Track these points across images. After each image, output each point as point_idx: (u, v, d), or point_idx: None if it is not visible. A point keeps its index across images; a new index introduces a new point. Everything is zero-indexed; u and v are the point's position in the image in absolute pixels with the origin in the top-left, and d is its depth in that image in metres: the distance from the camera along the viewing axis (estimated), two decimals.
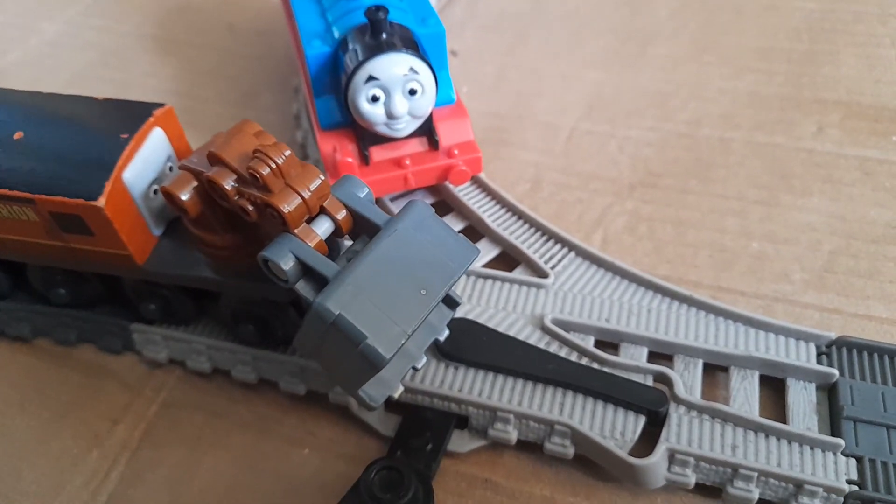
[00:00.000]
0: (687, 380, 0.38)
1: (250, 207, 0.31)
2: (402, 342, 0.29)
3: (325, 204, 0.32)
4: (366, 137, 0.45)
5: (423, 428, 0.38)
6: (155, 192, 0.37)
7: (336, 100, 0.45)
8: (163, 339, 0.42)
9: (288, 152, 0.31)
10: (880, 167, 0.52)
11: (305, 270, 0.31)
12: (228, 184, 0.31)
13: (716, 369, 0.39)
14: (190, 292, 0.40)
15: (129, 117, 0.37)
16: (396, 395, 0.35)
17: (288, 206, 0.30)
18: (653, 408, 0.36)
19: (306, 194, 0.31)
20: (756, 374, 0.38)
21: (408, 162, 0.45)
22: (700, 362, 0.39)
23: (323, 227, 0.32)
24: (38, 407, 0.43)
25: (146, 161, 0.36)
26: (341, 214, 0.32)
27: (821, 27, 0.67)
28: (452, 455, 0.38)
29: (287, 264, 0.30)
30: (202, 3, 0.74)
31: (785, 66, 0.63)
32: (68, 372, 0.44)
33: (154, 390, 0.43)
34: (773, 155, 0.54)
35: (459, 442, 0.38)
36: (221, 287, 0.37)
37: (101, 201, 0.34)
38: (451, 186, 0.48)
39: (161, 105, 0.38)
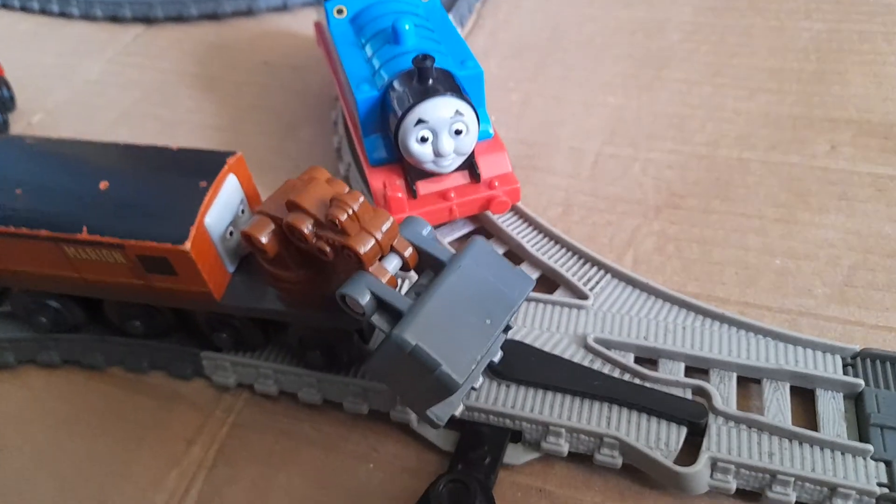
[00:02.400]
0: (723, 392, 0.41)
1: (327, 249, 0.35)
2: (473, 368, 0.33)
3: (394, 243, 0.35)
4: (412, 173, 0.48)
5: (481, 443, 0.41)
6: (230, 233, 0.40)
7: (383, 138, 0.48)
8: (231, 365, 0.46)
9: (362, 199, 0.34)
10: (892, 183, 0.55)
11: (380, 304, 0.34)
12: (307, 228, 0.35)
13: (749, 381, 0.42)
14: (259, 322, 0.43)
15: (205, 165, 0.40)
16: (458, 414, 0.39)
17: (364, 247, 0.34)
18: (694, 419, 0.39)
19: (379, 236, 0.34)
20: (787, 386, 0.41)
21: (452, 195, 0.48)
22: (734, 375, 0.42)
23: (393, 264, 0.35)
24: (118, 431, 0.46)
25: (223, 206, 0.39)
26: (408, 252, 0.36)
27: (828, 47, 0.70)
28: (508, 467, 0.41)
29: (364, 299, 0.34)
30: (236, 41, 0.77)
31: (796, 86, 0.66)
32: (142, 397, 0.48)
33: (224, 412, 0.46)
34: (789, 174, 0.57)
35: (514, 455, 0.41)
36: (293, 318, 0.41)
37: (187, 245, 0.37)
38: (490, 215, 0.51)
39: (233, 153, 0.41)
